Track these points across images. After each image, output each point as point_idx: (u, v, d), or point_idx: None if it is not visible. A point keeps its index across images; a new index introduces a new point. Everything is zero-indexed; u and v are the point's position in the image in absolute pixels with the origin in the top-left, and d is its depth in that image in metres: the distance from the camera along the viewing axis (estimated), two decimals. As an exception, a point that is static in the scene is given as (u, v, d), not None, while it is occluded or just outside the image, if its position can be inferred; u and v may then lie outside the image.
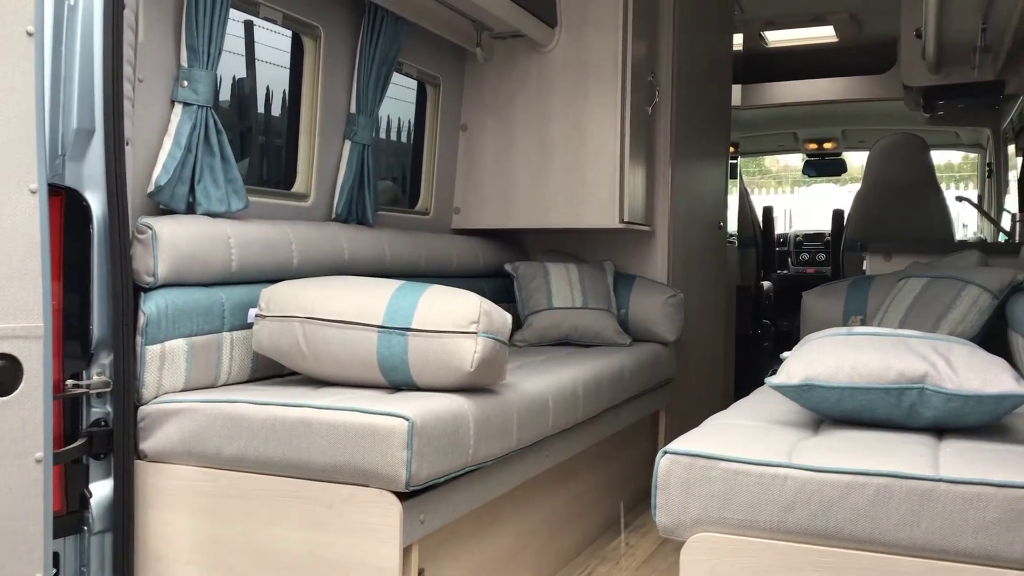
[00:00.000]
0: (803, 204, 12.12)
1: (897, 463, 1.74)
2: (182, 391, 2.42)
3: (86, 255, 2.21)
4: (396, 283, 2.52)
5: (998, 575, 1.65)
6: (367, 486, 2.12)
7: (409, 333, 2.36)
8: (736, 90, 5.48)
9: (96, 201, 2.22)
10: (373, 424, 2.11)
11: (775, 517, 1.78)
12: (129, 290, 2.27)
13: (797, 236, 8.47)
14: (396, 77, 3.68)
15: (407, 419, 2.09)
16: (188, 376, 2.44)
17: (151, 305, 2.34)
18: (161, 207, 2.54)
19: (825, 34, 5.94)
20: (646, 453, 4.06)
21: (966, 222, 8.82)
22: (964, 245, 4.21)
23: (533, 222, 4.08)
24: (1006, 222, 6.25)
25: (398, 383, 2.44)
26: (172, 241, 2.39)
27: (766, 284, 6.75)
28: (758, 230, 6.67)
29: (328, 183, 3.27)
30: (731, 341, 5.44)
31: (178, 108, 2.54)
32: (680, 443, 1.92)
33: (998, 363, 1.99)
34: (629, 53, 3.92)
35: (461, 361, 2.33)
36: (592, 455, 3.38)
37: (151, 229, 2.36)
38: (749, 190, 11.13)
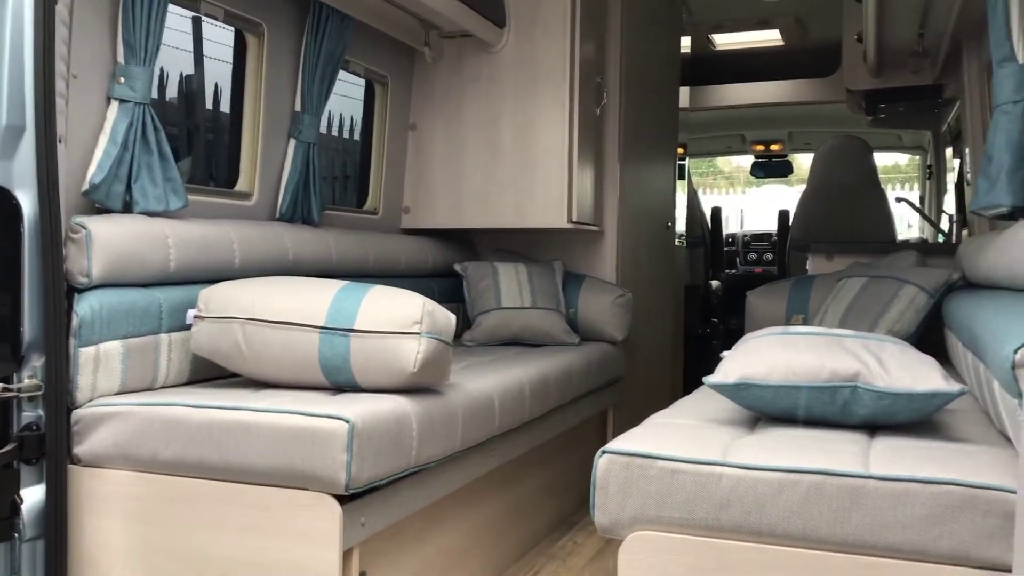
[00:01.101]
0: (755, 204, 12.30)
1: (829, 461, 1.77)
2: (118, 394, 2.38)
3: (17, 255, 2.16)
4: (339, 283, 2.50)
5: (926, 569, 1.68)
6: (306, 489, 2.10)
7: (352, 334, 2.34)
8: (684, 92, 5.53)
9: (27, 200, 2.17)
10: (312, 427, 2.08)
11: (710, 515, 1.80)
12: (61, 291, 2.21)
13: (745, 236, 8.59)
14: (343, 74, 3.65)
15: (347, 421, 2.08)
16: (124, 379, 2.39)
17: (85, 306, 2.29)
18: (97, 206, 2.48)
19: (771, 37, 6.03)
20: (594, 451, 4.07)
21: (911, 222, 9.03)
22: (903, 246, 4.31)
23: (483, 222, 4.08)
24: (944, 223, 6.41)
25: (340, 384, 2.42)
26: (107, 240, 2.34)
27: (715, 283, 6.83)
28: (706, 230, 6.75)
29: (272, 182, 3.24)
30: (679, 340, 5.49)
31: (114, 105, 2.49)
32: (618, 443, 1.93)
33: (928, 362, 2.03)
34: (577, 54, 3.94)
35: (404, 362, 2.32)
36: (539, 454, 3.39)
37: (85, 228, 2.31)
38: (702, 190, 11.26)
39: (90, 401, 2.32)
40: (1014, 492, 1.63)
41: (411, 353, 2.32)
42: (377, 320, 2.34)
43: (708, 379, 2.11)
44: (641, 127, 4.64)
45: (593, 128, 4.14)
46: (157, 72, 2.62)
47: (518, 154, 4.00)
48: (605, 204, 4.33)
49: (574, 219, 3.96)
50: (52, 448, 2.20)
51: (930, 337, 3.32)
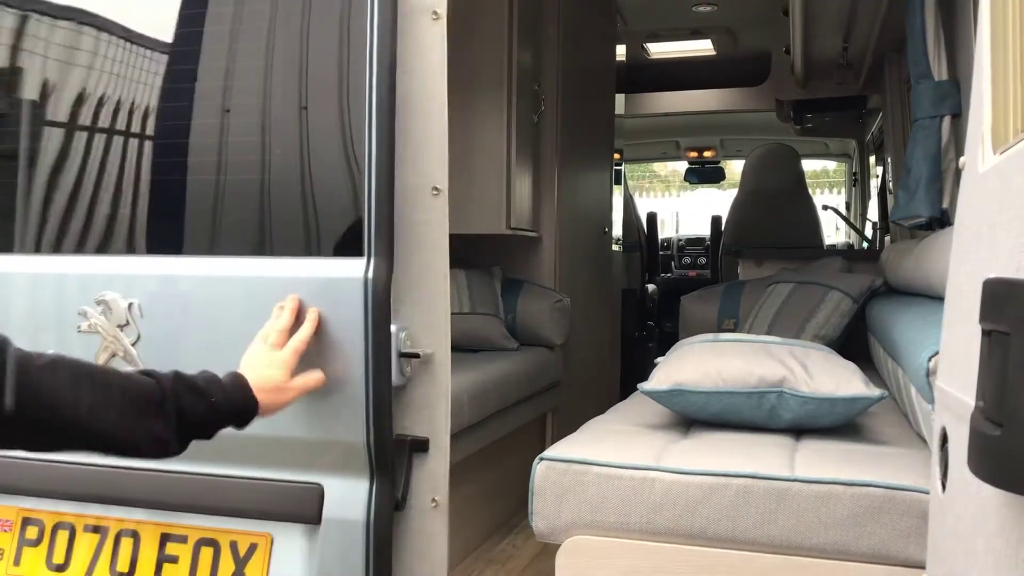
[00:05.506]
0: (690, 207, 12.55)
1: (756, 464, 1.84)
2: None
3: None
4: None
5: (849, 568, 1.76)
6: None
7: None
8: (620, 99, 5.62)
9: None
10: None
11: (644, 519, 1.86)
12: None
13: (680, 241, 8.76)
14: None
15: (286, 431, 2.07)
16: None
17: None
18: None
19: (704, 47, 6.16)
20: (534, 456, 4.11)
21: (838, 225, 9.31)
22: (829, 252, 4.45)
23: (420, 227, 4.08)
24: (868, 230, 6.64)
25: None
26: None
27: (650, 287, 6.95)
28: (642, 235, 6.86)
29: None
30: (617, 343, 5.58)
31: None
32: (555, 450, 1.97)
33: (850, 368, 2.13)
34: (515, 62, 3.97)
35: (342, 371, 2.32)
36: (479, 460, 3.41)
37: None
38: (638, 193, 11.42)
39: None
40: (928, 492, 1.71)
41: (350, 362, 2.32)
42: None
43: (642, 386, 2.17)
44: (578, 134, 4.71)
45: (531, 135, 4.19)
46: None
47: (456, 160, 3.96)
48: (543, 210, 4.38)
49: (512, 225, 3.99)
50: None
51: (854, 340, 3.45)
